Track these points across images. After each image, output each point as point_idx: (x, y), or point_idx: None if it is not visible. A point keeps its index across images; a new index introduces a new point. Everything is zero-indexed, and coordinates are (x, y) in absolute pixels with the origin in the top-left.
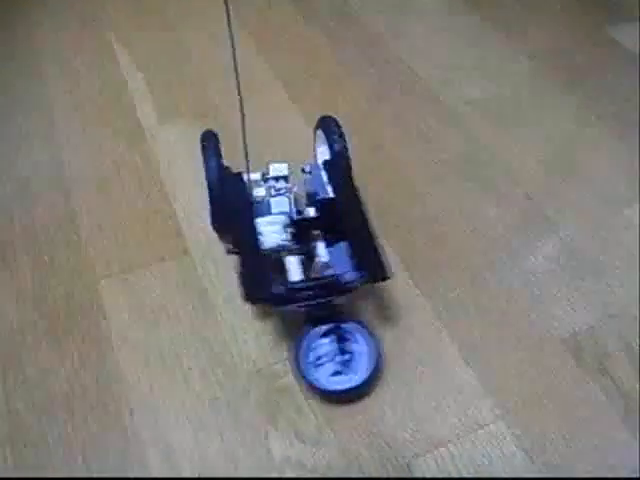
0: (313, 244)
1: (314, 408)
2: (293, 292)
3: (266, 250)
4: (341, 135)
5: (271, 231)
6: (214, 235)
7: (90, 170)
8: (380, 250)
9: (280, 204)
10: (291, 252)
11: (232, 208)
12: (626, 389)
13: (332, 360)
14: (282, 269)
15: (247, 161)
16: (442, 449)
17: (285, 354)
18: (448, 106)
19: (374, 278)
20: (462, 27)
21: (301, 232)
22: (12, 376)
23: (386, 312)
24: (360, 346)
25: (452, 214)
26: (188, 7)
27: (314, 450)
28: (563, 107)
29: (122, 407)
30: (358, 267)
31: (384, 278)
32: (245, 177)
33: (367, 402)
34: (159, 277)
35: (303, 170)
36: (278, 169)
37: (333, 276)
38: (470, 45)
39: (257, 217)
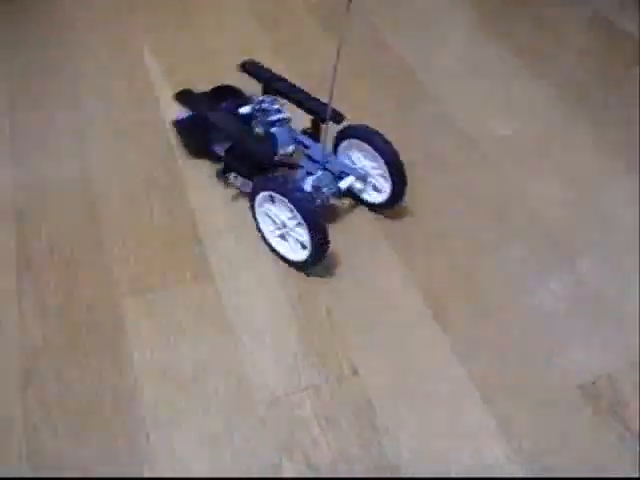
0: None
1: (329, 441)
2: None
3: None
4: None
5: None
6: (239, 262)
7: (119, 187)
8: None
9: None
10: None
11: None
12: None
13: None
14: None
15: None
16: None
17: (303, 385)
18: (474, 141)
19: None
20: (490, 62)
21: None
22: (32, 391)
23: (406, 346)
24: None
25: (472, 250)
26: (222, 19)
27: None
28: (587, 145)
29: (138, 428)
30: None
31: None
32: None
33: (383, 439)
34: (182, 299)
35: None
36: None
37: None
38: (497, 80)
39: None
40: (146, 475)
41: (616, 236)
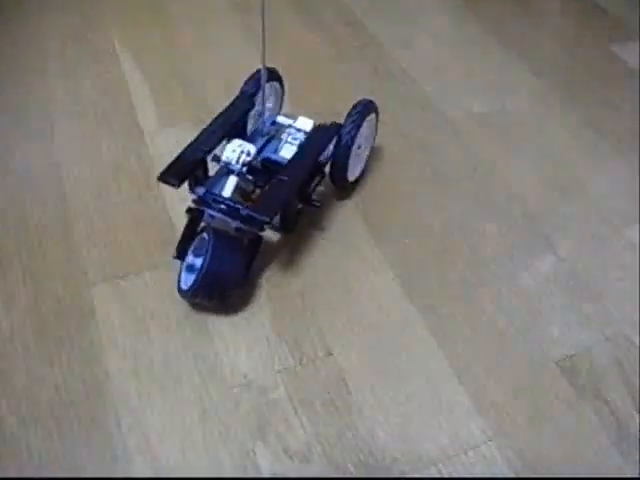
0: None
1: (304, 423)
2: (208, 197)
3: (222, 162)
4: (355, 129)
5: (232, 150)
6: None
7: (87, 173)
8: (278, 205)
9: (287, 150)
10: (239, 175)
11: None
12: (620, 413)
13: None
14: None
15: (263, 93)
16: (432, 469)
17: (277, 368)
18: (450, 120)
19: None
20: (467, 40)
21: (263, 171)
22: None
23: (380, 326)
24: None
25: (450, 229)
26: (192, 11)
27: (302, 466)
28: (564, 123)
29: (109, 416)
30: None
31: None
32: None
33: (358, 420)
34: (152, 285)
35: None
36: (303, 123)
37: (246, 209)
38: (474, 59)
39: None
40: (120, 466)
41: (594, 213)
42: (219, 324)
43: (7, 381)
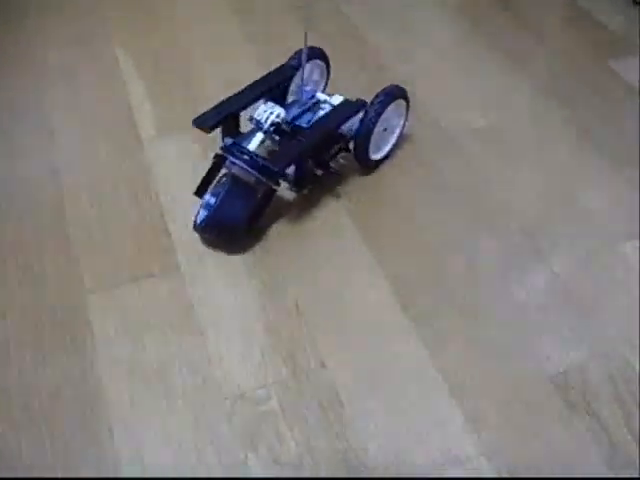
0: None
1: (296, 435)
2: (234, 147)
3: (253, 120)
4: (379, 109)
5: (264, 110)
6: (206, 252)
7: (85, 182)
8: (288, 160)
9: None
10: (267, 133)
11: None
12: (612, 430)
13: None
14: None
15: (304, 64)
16: None
17: (270, 379)
18: (449, 133)
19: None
20: (467, 55)
21: (292, 135)
22: None
23: (374, 339)
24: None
25: (446, 243)
26: (194, 20)
27: (293, 477)
28: (563, 139)
29: (102, 425)
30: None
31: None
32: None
33: (350, 433)
34: (148, 293)
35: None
36: (337, 100)
37: (263, 160)
38: (474, 73)
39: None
40: (111, 474)
41: (589, 229)
42: (214, 334)
43: (2, 390)
